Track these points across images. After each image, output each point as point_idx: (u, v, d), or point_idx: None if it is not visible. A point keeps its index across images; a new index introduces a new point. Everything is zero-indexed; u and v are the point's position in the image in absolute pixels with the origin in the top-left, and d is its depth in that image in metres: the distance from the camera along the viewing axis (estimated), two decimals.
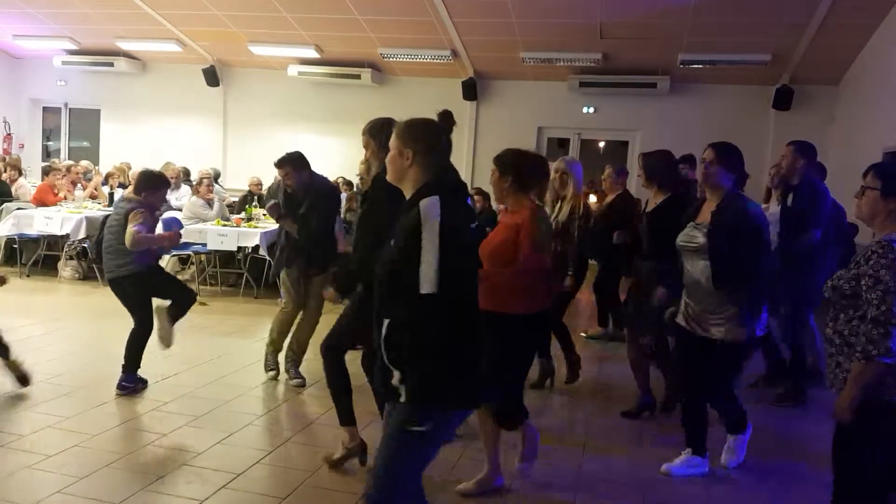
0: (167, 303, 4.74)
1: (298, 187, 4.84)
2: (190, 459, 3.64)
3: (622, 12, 8.71)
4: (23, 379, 4.45)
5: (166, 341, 4.69)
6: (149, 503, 3.20)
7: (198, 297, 7.56)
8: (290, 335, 5.05)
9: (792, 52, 9.21)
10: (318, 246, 4.90)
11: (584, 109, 11.05)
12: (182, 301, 4.74)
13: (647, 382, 4.61)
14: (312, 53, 10.94)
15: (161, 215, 8.37)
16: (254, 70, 12.06)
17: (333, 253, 5.04)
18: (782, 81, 10.00)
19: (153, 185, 4.63)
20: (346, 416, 3.66)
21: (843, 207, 5.23)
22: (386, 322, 2.22)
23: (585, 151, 11.40)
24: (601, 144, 11.89)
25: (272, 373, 5.05)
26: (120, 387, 4.55)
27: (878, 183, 2.48)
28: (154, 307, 4.67)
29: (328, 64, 11.23)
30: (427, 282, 2.10)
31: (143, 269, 4.55)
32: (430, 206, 2.16)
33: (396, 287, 2.20)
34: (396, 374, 2.19)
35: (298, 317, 5.07)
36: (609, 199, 5.89)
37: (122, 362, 4.58)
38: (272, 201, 5.20)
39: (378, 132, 3.50)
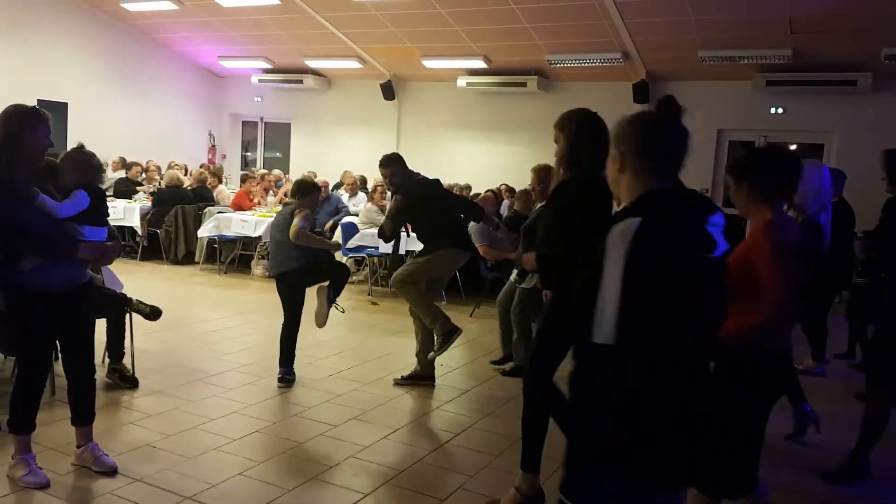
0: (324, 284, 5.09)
1: (398, 185, 5.09)
2: (357, 452, 3.80)
3: (816, 4, 7.96)
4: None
5: (320, 320, 5.03)
6: (318, 491, 3.38)
7: (369, 297, 8.03)
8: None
9: None
10: (427, 233, 5.04)
11: (772, 110, 10.23)
12: (338, 279, 5.09)
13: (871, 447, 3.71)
14: (480, 64, 11.14)
15: (341, 220, 8.95)
16: (425, 83, 12.50)
17: (446, 237, 5.00)
18: None
19: (304, 191, 5.09)
20: (531, 460, 3.15)
21: None
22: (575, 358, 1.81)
23: None
24: (792, 148, 10.93)
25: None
26: (281, 380, 4.87)
27: None
28: (316, 288, 5.05)
29: (495, 73, 11.37)
30: (601, 328, 1.62)
31: (303, 265, 4.90)
32: (622, 231, 1.65)
33: (576, 320, 1.78)
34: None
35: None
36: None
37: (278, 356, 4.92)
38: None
39: (566, 124, 3.08)
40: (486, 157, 11.94)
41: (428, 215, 5.03)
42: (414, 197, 5.03)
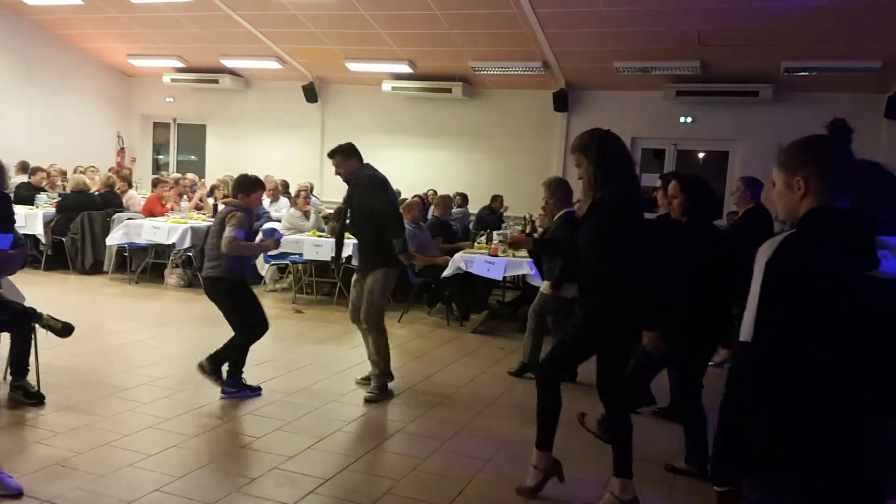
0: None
1: (347, 177, 4.90)
2: (281, 463, 3.71)
3: (722, 19, 8.40)
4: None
5: None
6: None
7: (294, 305, 7.87)
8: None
9: None
10: (368, 242, 4.91)
11: (682, 119, 10.70)
12: (252, 330, 4.74)
13: None
14: (405, 69, 11.14)
15: (262, 225, 8.71)
16: (350, 86, 12.40)
17: (389, 252, 4.85)
18: (895, 89, 9.35)
19: (248, 188, 4.81)
20: (546, 440, 3.43)
21: None
22: None
23: (682, 163, 11.03)
24: (700, 156, 11.47)
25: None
26: (223, 391, 4.69)
27: None
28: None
29: (420, 79, 11.40)
30: (744, 327, 1.72)
31: (232, 277, 4.66)
32: (770, 242, 1.71)
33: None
34: None
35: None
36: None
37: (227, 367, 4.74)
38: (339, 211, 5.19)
39: (587, 146, 3.26)
40: (413, 162, 11.94)
41: (377, 221, 4.83)
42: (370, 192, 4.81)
